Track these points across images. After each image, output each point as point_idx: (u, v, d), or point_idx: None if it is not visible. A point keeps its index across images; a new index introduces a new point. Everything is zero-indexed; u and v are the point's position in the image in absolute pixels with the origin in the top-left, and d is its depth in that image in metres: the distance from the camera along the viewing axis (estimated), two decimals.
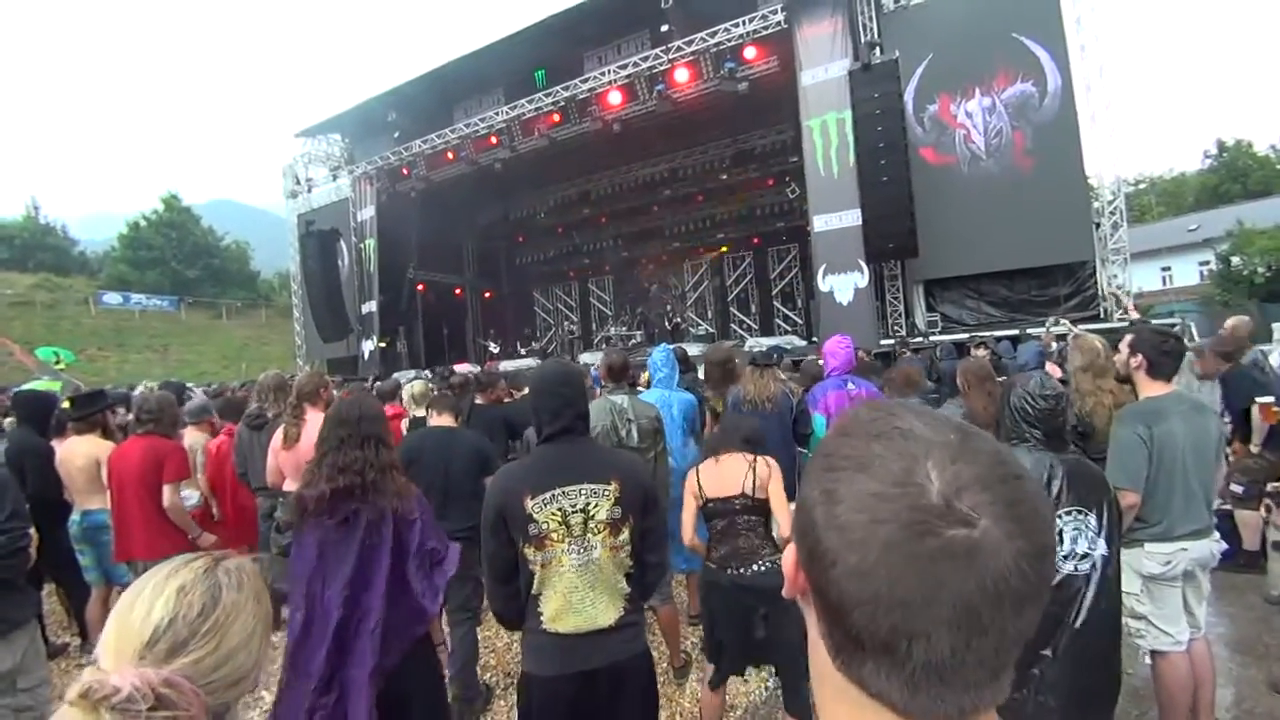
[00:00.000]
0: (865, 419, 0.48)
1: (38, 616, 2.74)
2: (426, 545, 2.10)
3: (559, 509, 1.80)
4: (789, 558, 0.50)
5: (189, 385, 10.13)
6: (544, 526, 1.79)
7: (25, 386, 6.18)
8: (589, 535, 1.81)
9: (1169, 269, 28.60)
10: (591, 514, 1.82)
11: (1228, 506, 4.22)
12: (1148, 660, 2.50)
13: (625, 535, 1.85)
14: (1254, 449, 4.21)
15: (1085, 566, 1.84)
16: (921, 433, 0.45)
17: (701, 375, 6.48)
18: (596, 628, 1.81)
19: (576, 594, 1.80)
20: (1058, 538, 1.84)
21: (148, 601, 0.76)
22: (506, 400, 5.04)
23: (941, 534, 0.40)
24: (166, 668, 0.71)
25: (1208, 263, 26.05)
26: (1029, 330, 9.05)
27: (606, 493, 1.83)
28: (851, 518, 0.43)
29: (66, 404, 4.12)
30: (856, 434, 0.47)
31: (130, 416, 4.80)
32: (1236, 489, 4.25)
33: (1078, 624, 1.81)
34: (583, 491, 1.82)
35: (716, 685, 2.61)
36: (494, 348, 17.97)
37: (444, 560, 2.18)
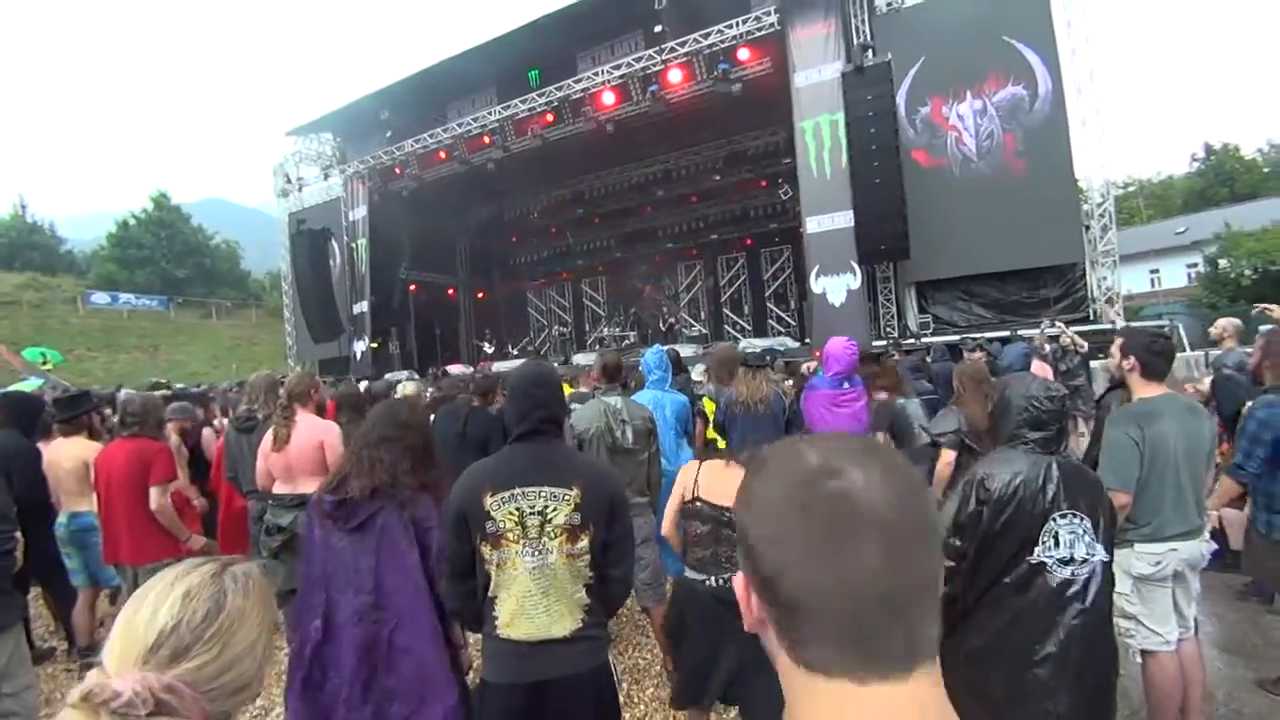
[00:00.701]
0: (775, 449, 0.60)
1: (23, 621, 2.70)
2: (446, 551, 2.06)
3: (516, 509, 1.77)
4: (739, 583, 0.57)
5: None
6: (500, 525, 1.77)
7: (11, 388, 6.11)
8: (544, 539, 1.77)
9: (1157, 271, 28.88)
10: (549, 517, 1.78)
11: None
12: (1137, 660, 2.51)
13: (584, 543, 1.80)
14: None
15: (1084, 572, 1.84)
16: (803, 440, 0.57)
17: (696, 375, 6.49)
18: (549, 637, 1.77)
19: (530, 599, 1.77)
20: (1053, 540, 1.84)
21: (153, 606, 0.75)
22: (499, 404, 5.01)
23: (822, 484, 0.51)
24: (169, 673, 0.70)
25: (1195, 265, 26.37)
26: (1019, 332, 9.11)
27: (567, 497, 1.79)
28: (758, 501, 0.55)
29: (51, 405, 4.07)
30: (764, 459, 0.59)
31: (116, 419, 4.76)
32: None
33: (1076, 628, 1.81)
34: (542, 494, 1.78)
35: (681, 705, 2.43)
36: (488, 348, 17.93)
37: None
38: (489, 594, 1.81)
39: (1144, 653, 2.47)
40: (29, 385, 6.64)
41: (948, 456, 3.42)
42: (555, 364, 14.30)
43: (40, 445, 4.00)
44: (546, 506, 1.78)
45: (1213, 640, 3.40)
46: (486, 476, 1.83)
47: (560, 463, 1.86)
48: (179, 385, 12.26)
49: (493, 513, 1.77)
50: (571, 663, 1.78)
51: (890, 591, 0.48)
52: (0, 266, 31.16)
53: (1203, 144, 35.53)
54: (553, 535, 1.78)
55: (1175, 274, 28.25)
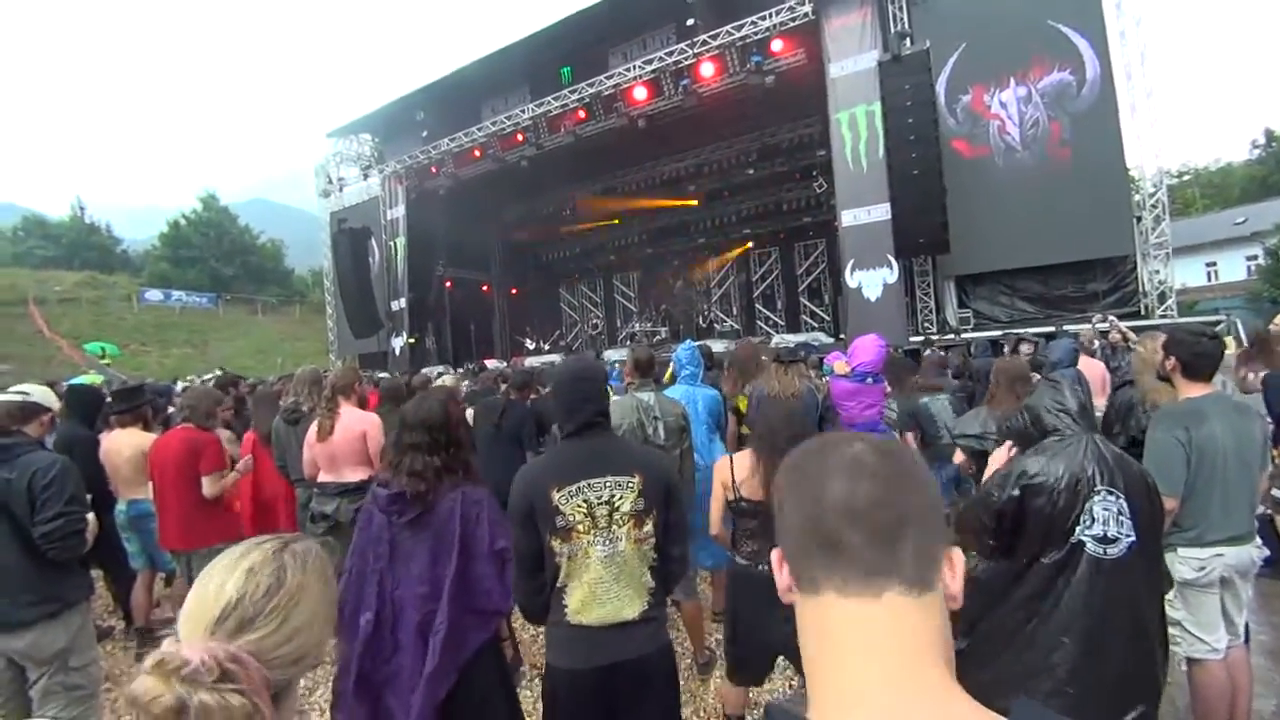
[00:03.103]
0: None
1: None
2: (496, 545, 2.08)
3: (585, 501, 1.82)
4: (775, 554, 0.65)
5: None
6: (571, 519, 1.81)
7: (73, 380, 6.45)
8: (614, 527, 1.84)
9: (1214, 264, 27.59)
10: (616, 506, 1.84)
11: (1269, 512, 4.07)
12: (1183, 667, 2.44)
13: (649, 527, 1.88)
14: None
15: (1115, 551, 1.81)
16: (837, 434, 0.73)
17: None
18: (621, 620, 1.83)
19: (602, 586, 1.83)
20: (1088, 516, 1.83)
21: (220, 580, 0.81)
22: (533, 397, 5.10)
23: (829, 447, 0.64)
24: (234, 643, 0.75)
25: (1255, 258, 25.06)
26: (1065, 327, 8.82)
27: (630, 485, 1.85)
28: (778, 482, 0.66)
29: (109, 398, 4.28)
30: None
31: (170, 409, 4.98)
32: (1277, 493, 4.11)
33: (1096, 610, 1.78)
34: (607, 484, 1.84)
35: (740, 681, 2.59)
36: (530, 344, 18.14)
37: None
38: (558, 584, 1.86)
39: (1190, 660, 2.40)
40: (91, 379, 6.99)
41: (960, 458, 3.38)
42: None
43: (101, 436, 4.21)
44: (614, 495, 1.85)
45: (1267, 649, 3.27)
46: (550, 472, 1.88)
47: (619, 452, 1.94)
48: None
49: (561, 507, 1.82)
50: (642, 643, 1.86)
51: (854, 505, 0.57)
52: (61, 265, 32.76)
53: (1263, 130, 33.87)
54: (621, 523, 1.85)
55: (1234, 267, 26.93)
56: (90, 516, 2.60)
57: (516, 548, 1.91)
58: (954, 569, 0.60)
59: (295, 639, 0.81)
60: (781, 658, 2.60)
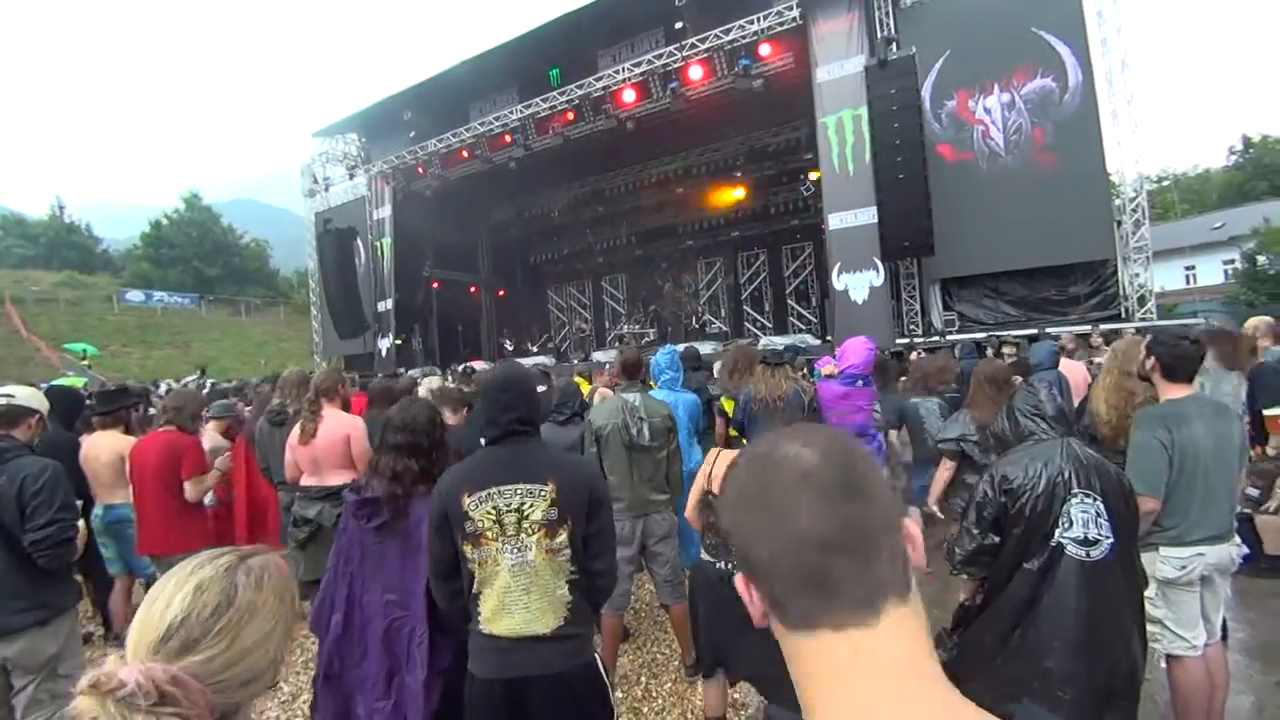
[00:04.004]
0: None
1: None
2: None
3: (493, 507, 1.79)
4: (740, 581, 0.62)
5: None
6: (479, 524, 1.79)
7: (54, 382, 6.33)
8: (523, 535, 1.79)
9: (1193, 268, 28.06)
10: (526, 514, 1.80)
11: (1248, 511, 4.15)
12: (1163, 664, 2.47)
13: (563, 538, 1.82)
14: (1270, 451, 4.14)
15: (1097, 553, 1.83)
16: (772, 434, 0.64)
17: (717, 373, 6.48)
18: (531, 634, 1.79)
19: (510, 595, 1.79)
20: (1066, 519, 1.85)
21: (167, 597, 0.78)
22: None
23: (767, 462, 0.60)
24: (178, 664, 0.72)
25: (1233, 262, 25.55)
26: (1048, 330, 8.94)
27: (543, 493, 1.81)
28: (725, 492, 0.63)
29: (90, 399, 4.20)
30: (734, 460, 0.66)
31: (151, 411, 4.90)
32: (1252, 492, 4.19)
33: (1084, 612, 1.80)
34: (517, 491, 1.80)
35: (709, 675, 2.61)
36: (509, 345, 18.06)
37: None
38: (473, 590, 1.83)
39: (1170, 657, 2.43)
40: (71, 381, 6.87)
41: (947, 465, 3.40)
42: (574, 360, 14.37)
43: (81, 439, 4.14)
44: (523, 503, 1.80)
45: (1244, 646, 3.32)
46: (463, 477, 1.86)
47: (535, 460, 1.88)
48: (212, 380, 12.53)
49: (470, 512, 1.79)
50: (553, 661, 1.80)
51: (828, 535, 0.54)
52: (39, 265, 32.19)
53: (1241, 136, 34.52)
54: (530, 531, 1.80)
55: (1212, 271, 27.42)
56: (80, 524, 2.55)
57: (430, 551, 1.88)
58: (913, 542, 0.59)
59: (245, 660, 0.78)
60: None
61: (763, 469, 0.60)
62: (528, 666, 1.78)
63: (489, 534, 1.79)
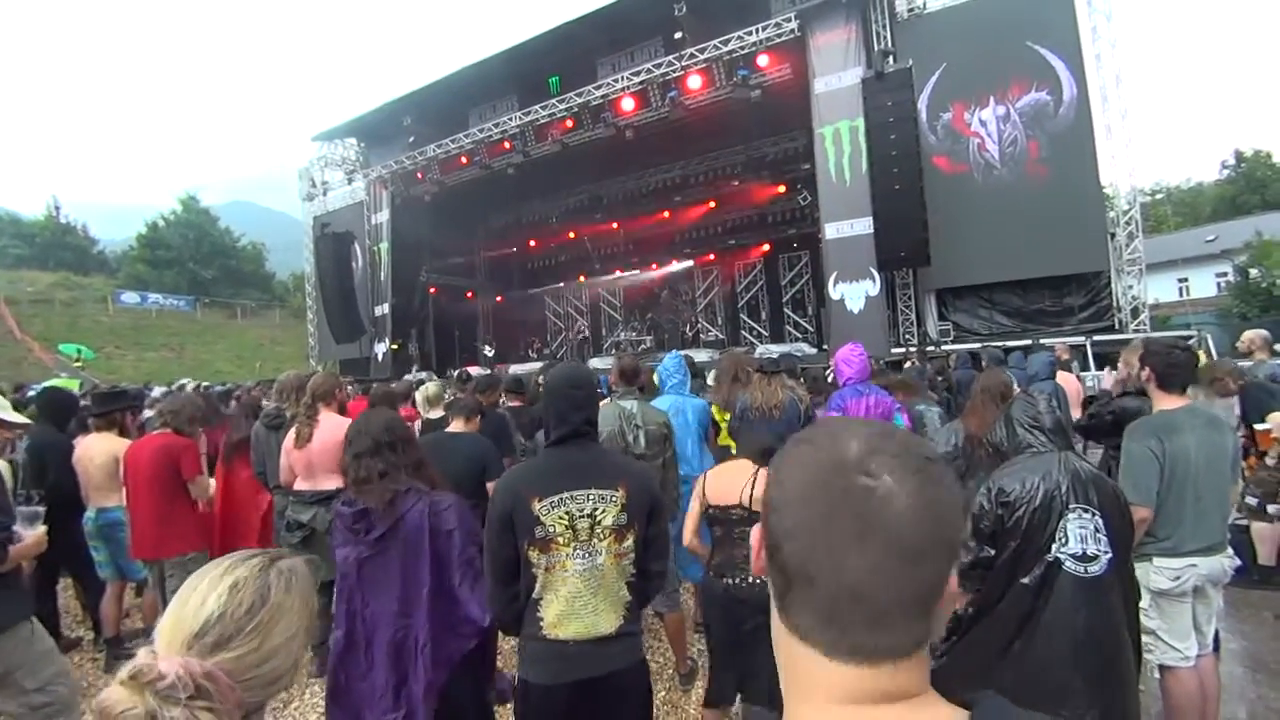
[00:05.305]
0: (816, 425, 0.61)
1: (40, 615, 2.58)
2: (466, 554, 2.03)
3: (566, 513, 1.78)
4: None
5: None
6: (551, 530, 1.77)
7: (47, 383, 6.30)
8: (595, 540, 1.80)
9: (1185, 280, 28.24)
10: (598, 519, 1.80)
11: (1244, 520, 4.18)
12: (1155, 675, 2.48)
13: (630, 542, 1.84)
14: (1270, 461, 4.18)
15: (1096, 569, 1.84)
16: (853, 424, 0.57)
17: (710, 382, 6.49)
18: (598, 635, 1.79)
19: (579, 600, 1.78)
20: (1062, 534, 1.85)
21: (203, 594, 0.78)
22: (517, 404, 5.06)
23: (850, 478, 0.51)
24: (211, 659, 0.73)
25: (1225, 274, 25.74)
26: (1042, 341, 8.98)
27: (614, 498, 1.81)
28: (788, 473, 0.56)
29: (85, 401, 4.18)
30: (810, 433, 0.60)
31: (147, 414, 4.88)
32: (1251, 500, 4.23)
33: (1084, 628, 1.80)
34: (590, 496, 1.80)
35: (713, 704, 2.51)
36: (489, 351, 18.05)
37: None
38: (533, 596, 1.81)
39: (1162, 668, 2.44)
40: (66, 383, 6.83)
41: None
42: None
43: (75, 441, 4.12)
44: (596, 509, 1.81)
45: (1237, 657, 3.33)
46: (534, 481, 1.83)
47: (605, 464, 1.89)
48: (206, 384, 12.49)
49: (542, 518, 1.77)
50: (618, 659, 1.82)
51: (873, 595, 0.49)
52: (34, 266, 32.04)
53: (1233, 150, 34.95)
54: (602, 536, 1.81)
55: (1204, 283, 27.60)
56: (18, 528, 2.37)
57: (493, 555, 1.85)
58: (950, 598, 0.54)
59: (272, 659, 0.79)
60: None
61: (843, 492, 0.51)
62: (593, 668, 1.79)
63: (560, 539, 1.78)
